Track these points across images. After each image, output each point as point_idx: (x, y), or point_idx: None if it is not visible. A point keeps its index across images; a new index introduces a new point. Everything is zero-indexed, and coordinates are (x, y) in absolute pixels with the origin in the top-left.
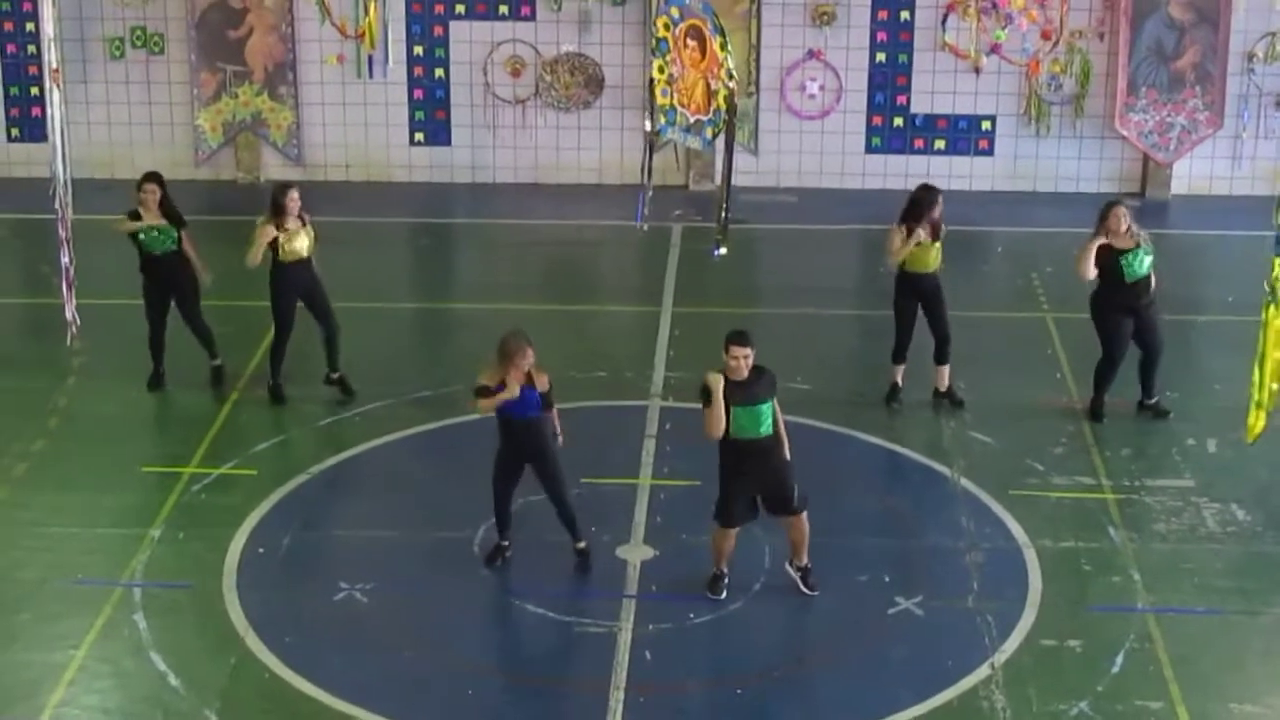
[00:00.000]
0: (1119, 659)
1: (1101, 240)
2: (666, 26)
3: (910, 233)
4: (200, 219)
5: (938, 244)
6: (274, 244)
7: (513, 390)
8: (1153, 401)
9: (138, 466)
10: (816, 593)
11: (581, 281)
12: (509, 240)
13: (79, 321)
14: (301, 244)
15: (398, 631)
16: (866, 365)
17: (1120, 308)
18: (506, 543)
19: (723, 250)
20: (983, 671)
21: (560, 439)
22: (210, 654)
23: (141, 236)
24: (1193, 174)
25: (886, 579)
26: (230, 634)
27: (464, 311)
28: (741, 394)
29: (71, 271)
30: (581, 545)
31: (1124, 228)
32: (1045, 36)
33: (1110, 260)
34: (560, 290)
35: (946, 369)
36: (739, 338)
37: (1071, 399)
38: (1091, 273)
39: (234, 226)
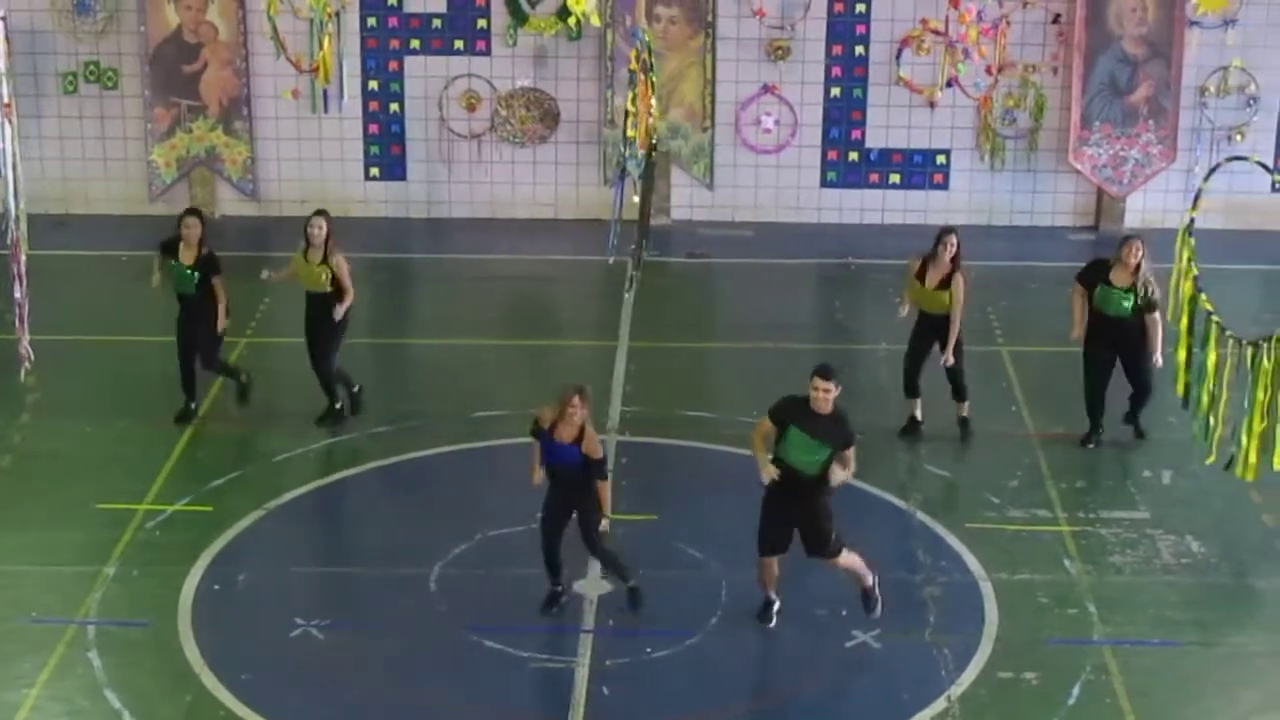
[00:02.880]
0: (1075, 691)
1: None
2: (637, 58)
3: (921, 271)
4: (154, 255)
5: (942, 293)
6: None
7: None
8: (1134, 424)
9: (92, 503)
10: (878, 612)
11: (538, 316)
12: (465, 275)
13: (33, 357)
14: (306, 276)
15: (354, 668)
16: None
17: (1096, 337)
18: (560, 588)
19: (634, 285)
20: (939, 705)
21: (604, 519)
22: (166, 692)
23: (171, 263)
24: (1146, 207)
25: (844, 612)
26: (186, 671)
27: (420, 347)
28: (808, 422)
29: (25, 307)
30: (631, 584)
31: (1133, 263)
32: (988, 72)
33: (1096, 277)
34: (516, 325)
35: (965, 404)
36: (823, 371)
37: (1027, 432)
38: (1080, 328)
39: None
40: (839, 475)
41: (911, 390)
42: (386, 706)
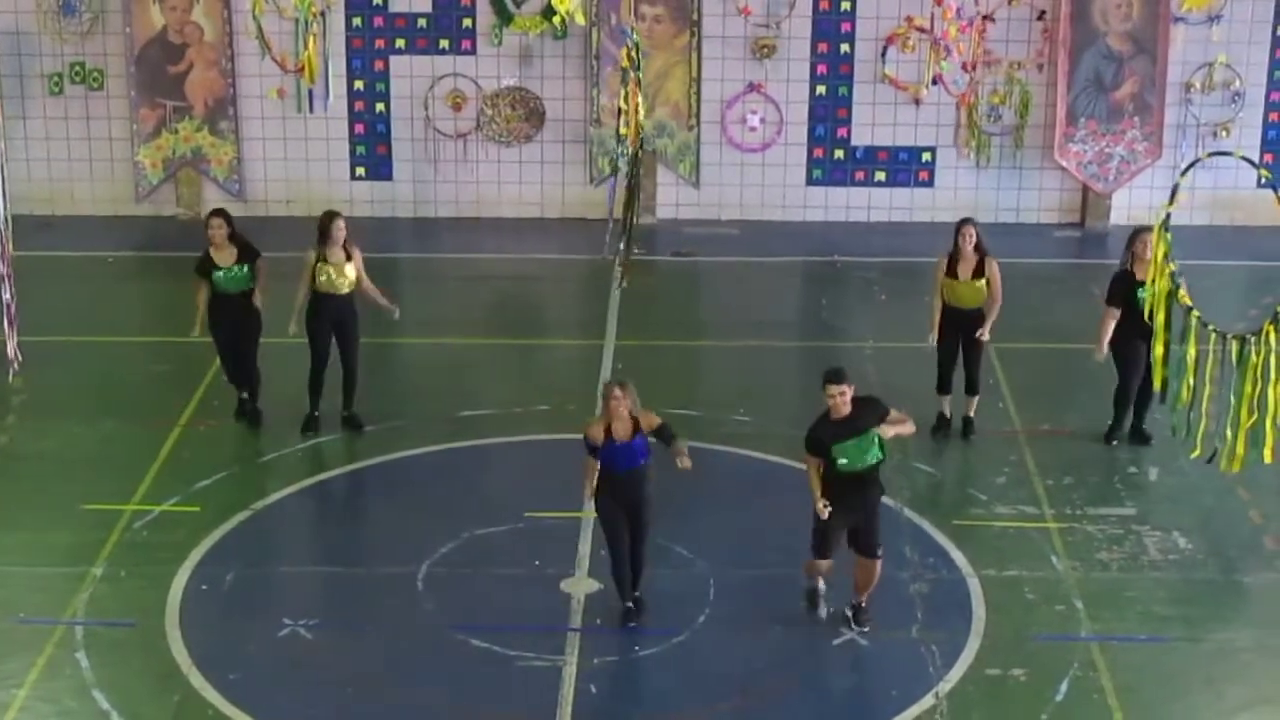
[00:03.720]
0: (1063, 688)
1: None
2: (629, 57)
3: (950, 268)
4: (141, 255)
5: (978, 281)
6: (312, 273)
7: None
8: (1142, 425)
9: (79, 504)
10: (866, 629)
11: (524, 315)
12: (451, 275)
13: (21, 358)
14: (339, 278)
15: (342, 667)
16: (809, 398)
17: (1136, 334)
18: (633, 591)
19: (624, 283)
20: (927, 701)
21: (685, 461)
22: (154, 692)
23: (218, 275)
24: (1132, 204)
25: (831, 609)
26: (174, 671)
27: (407, 346)
28: (845, 429)
29: (13, 308)
30: (637, 594)
31: (1149, 255)
32: (964, 69)
33: (1128, 289)
34: (503, 324)
35: (975, 399)
36: (832, 376)
37: (1014, 428)
38: (1105, 349)
39: (174, 262)
40: (901, 429)
41: (944, 387)
42: (374, 706)
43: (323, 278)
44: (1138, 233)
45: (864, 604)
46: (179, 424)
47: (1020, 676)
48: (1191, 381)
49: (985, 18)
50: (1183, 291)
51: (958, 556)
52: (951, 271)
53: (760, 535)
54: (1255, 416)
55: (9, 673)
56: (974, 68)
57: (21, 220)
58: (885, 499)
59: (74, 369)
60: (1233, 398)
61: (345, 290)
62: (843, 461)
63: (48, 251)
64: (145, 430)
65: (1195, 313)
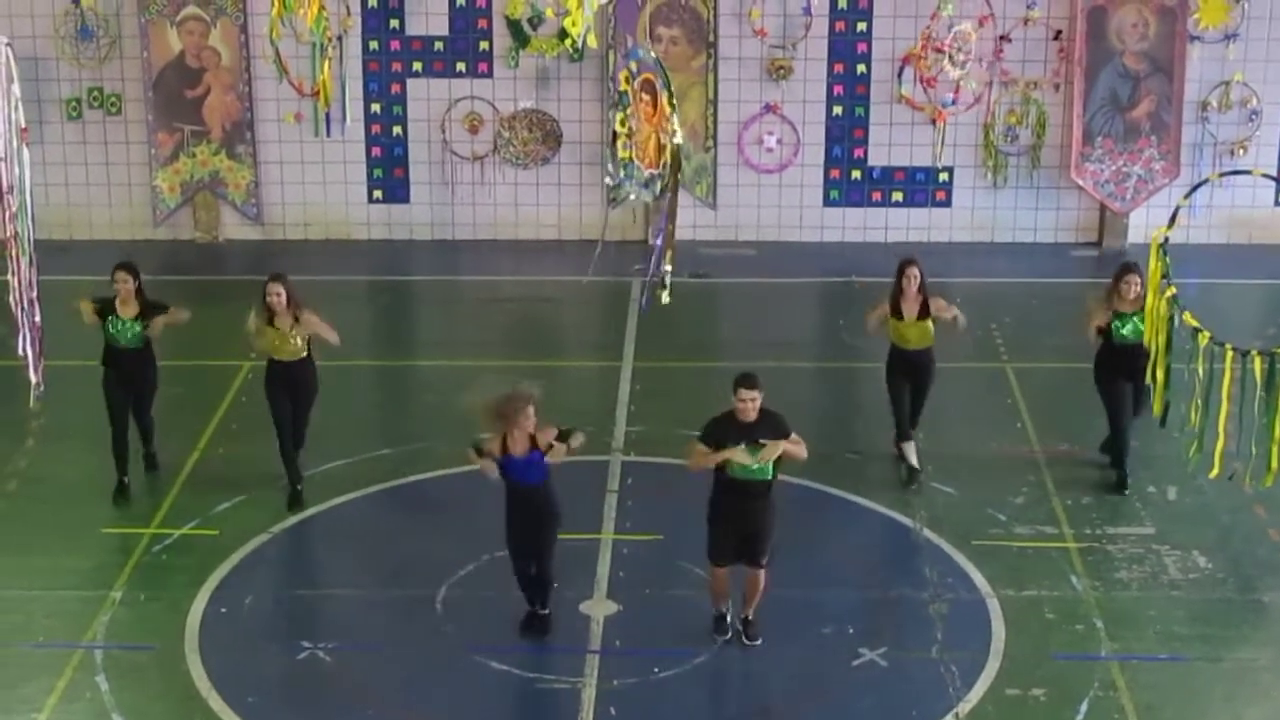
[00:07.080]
0: (1083, 707)
1: (1105, 309)
2: (628, 80)
3: (894, 308)
4: (159, 279)
5: (924, 322)
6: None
7: (488, 466)
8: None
9: (98, 528)
10: (758, 643)
11: (542, 337)
12: (469, 297)
13: (44, 384)
14: (283, 346)
15: (361, 691)
16: (827, 418)
17: (1113, 369)
18: (540, 609)
19: (666, 300)
20: None
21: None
22: (173, 716)
23: (111, 321)
24: (1149, 223)
25: (851, 630)
26: (193, 695)
27: (424, 369)
28: (743, 437)
29: (40, 334)
30: (545, 612)
31: (1133, 294)
32: (925, 84)
33: (1108, 321)
34: (521, 346)
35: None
36: (745, 380)
37: (1032, 448)
38: (1093, 333)
39: (193, 286)
40: (793, 449)
41: (904, 434)
42: None
43: (274, 341)
44: (1124, 270)
45: (751, 617)
46: (197, 448)
47: (1040, 696)
48: (1200, 402)
49: (1002, 37)
50: (1188, 314)
51: (977, 576)
52: (896, 312)
53: (779, 556)
54: None
55: (29, 696)
56: (933, 83)
57: (40, 245)
58: (903, 519)
59: (92, 393)
60: (1258, 415)
61: (292, 357)
62: (736, 467)
63: (65, 276)
64: (163, 454)
65: (1205, 334)
